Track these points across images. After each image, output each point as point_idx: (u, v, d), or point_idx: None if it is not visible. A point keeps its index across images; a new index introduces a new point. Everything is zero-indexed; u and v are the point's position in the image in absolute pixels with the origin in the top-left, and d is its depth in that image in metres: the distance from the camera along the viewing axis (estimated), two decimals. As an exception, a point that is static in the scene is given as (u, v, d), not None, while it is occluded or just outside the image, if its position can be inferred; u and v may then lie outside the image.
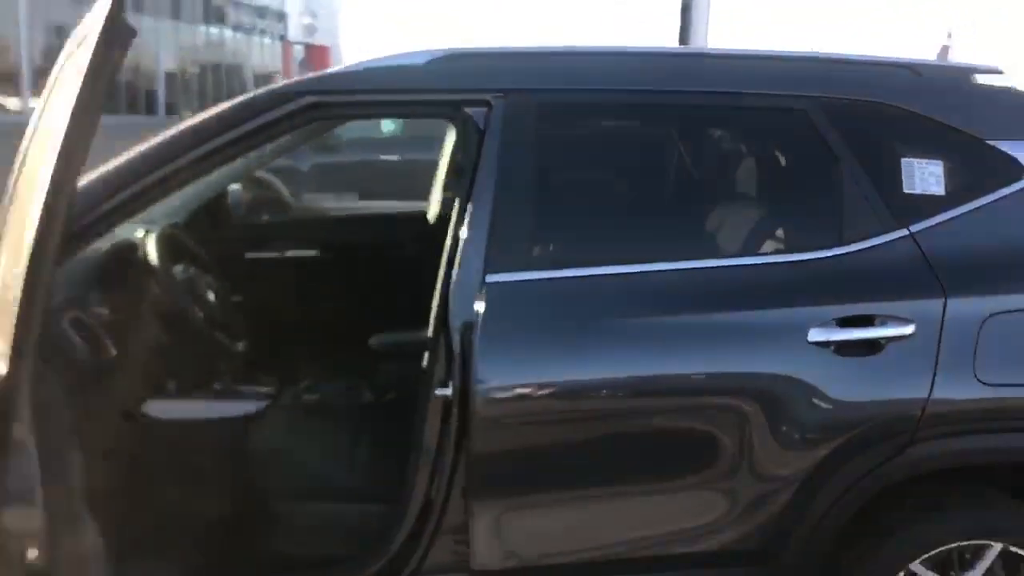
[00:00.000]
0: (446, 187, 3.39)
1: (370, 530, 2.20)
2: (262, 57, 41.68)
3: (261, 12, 40.41)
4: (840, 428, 2.06)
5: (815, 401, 2.05)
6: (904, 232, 2.14)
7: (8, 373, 1.39)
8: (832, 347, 2.05)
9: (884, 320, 2.06)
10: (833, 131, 2.16)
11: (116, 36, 1.32)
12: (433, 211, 3.47)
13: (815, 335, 2.04)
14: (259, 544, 1.98)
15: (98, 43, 1.29)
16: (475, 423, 1.96)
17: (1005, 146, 2.23)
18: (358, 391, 2.98)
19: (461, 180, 2.15)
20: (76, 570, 1.66)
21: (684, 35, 7.62)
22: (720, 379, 2.07)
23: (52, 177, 1.32)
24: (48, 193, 1.32)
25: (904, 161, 2.19)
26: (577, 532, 2.09)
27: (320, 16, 42.35)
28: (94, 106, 1.35)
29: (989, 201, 2.19)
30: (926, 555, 2.12)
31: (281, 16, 41.44)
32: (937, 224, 2.15)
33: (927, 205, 2.17)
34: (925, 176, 2.19)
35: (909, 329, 2.06)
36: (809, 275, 2.11)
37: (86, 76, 1.31)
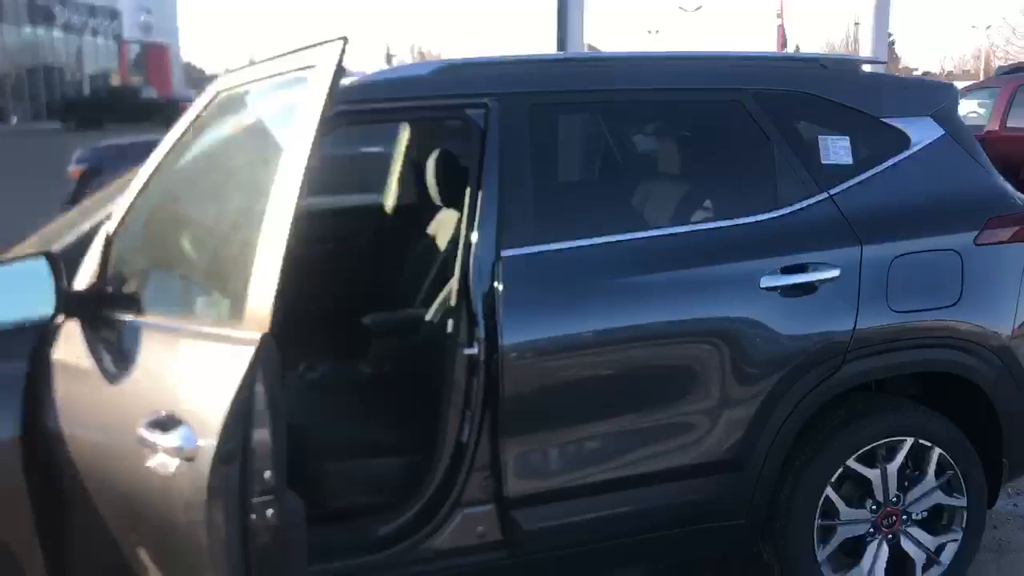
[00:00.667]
0: (402, 181, 3.72)
1: (403, 478, 2.55)
2: (96, 57, 39.90)
3: (92, 11, 38.65)
4: (789, 355, 2.55)
5: (769, 335, 2.54)
6: (825, 195, 2.65)
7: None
8: (779, 291, 2.54)
9: (816, 267, 2.57)
10: (765, 117, 2.65)
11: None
12: (391, 203, 3.80)
13: (765, 282, 2.53)
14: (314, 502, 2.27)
15: (331, 88, 1.59)
16: (505, 374, 2.34)
17: (895, 122, 2.79)
18: (356, 367, 3.28)
19: (469, 172, 2.51)
20: None
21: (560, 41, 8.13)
22: (695, 323, 2.53)
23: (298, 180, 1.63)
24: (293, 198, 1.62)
25: (820, 138, 2.71)
26: (586, 457, 2.50)
27: (156, 14, 40.80)
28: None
29: (886, 167, 2.74)
30: (858, 452, 2.66)
31: (114, 14, 39.74)
32: (849, 187, 2.68)
33: (840, 173, 2.69)
34: (837, 150, 2.71)
35: (835, 272, 2.57)
36: (756, 234, 2.59)
37: (322, 111, 1.64)
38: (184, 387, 1.74)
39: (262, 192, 1.71)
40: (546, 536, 2.46)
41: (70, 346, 2.04)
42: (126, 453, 1.76)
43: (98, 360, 1.95)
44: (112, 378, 1.93)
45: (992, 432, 2.79)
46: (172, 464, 1.67)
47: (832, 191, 2.66)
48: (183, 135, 2.12)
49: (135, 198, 2.08)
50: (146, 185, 2.12)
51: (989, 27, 67.58)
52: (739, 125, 2.67)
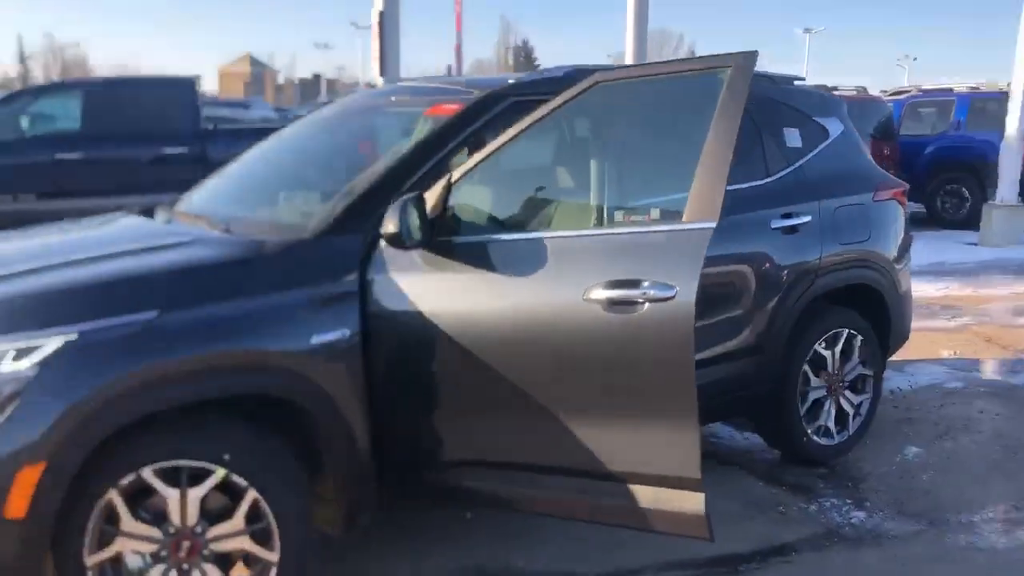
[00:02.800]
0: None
1: None
2: None
3: None
4: (788, 274, 3.78)
5: (776, 262, 3.74)
6: (794, 167, 3.92)
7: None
8: (781, 231, 3.76)
9: (797, 214, 3.82)
10: (757, 116, 3.84)
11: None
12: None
13: (774, 224, 3.74)
14: None
15: (748, 83, 2.49)
16: None
17: (819, 119, 4.14)
18: None
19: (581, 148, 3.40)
20: None
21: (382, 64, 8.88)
22: (731, 256, 3.64)
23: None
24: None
25: (784, 129, 3.98)
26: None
27: None
28: None
29: (820, 149, 4.07)
30: (821, 339, 3.95)
31: None
32: (804, 162, 3.97)
33: (797, 153, 3.97)
34: (793, 137, 4.00)
35: (808, 218, 3.84)
36: (762, 193, 3.78)
37: (744, 98, 2.55)
38: (639, 260, 2.52)
39: (691, 141, 2.56)
40: None
41: (407, 260, 2.74)
42: (572, 315, 2.54)
43: (489, 264, 2.71)
44: (528, 266, 2.66)
45: (884, 322, 4.23)
46: (642, 308, 2.46)
47: (796, 164, 3.94)
48: (548, 113, 2.83)
49: (487, 155, 2.79)
50: (500, 147, 2.81)
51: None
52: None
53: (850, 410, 4.14)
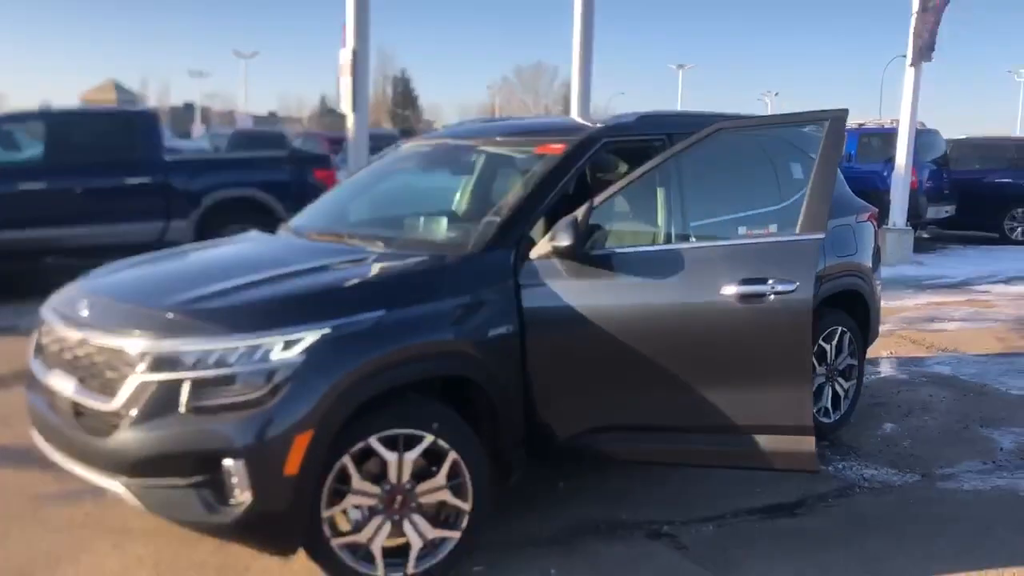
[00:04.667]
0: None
1: None
2: None
3: None
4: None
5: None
6: (799, 194, 4.81)
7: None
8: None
9: (806, 233, 4.72)
10: (770, 153, 4.72)
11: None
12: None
13: (791, 241, 4.62)
14: None
15: (841, 134, 3.27)
16: None
17: (812, 155, 5.06)
18: None
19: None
20: None
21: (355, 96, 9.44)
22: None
23: None
24: None
25: (789, 164, 4.88)
26: None
27: None
28: None
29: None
30: (822, 335, 4.86)
31: None
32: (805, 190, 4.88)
33: (801, 183, 4.87)
34: (796, 170, 4.90)
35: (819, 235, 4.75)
36: (781, 214, 4.65)
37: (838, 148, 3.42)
38: (765, 263, 3.33)
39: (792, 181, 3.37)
40: None
41: (551, 268, 3.44)
42: (710, 307, 3.33)
43: (633, 270, 3.44)
44: (669, 271, 3.42)
45: (865, 321, 5.18)
46: (769, 300, 3.28)
47: (801, 192, 4.84)
48: (674, 152, 3.62)
49: (623, 186, 3.53)
50: (636, 178, 3.58)
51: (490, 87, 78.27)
52: (763, 158, 4.74)
53: (842, 393, 5.05)
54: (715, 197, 3.87)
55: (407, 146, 4.90)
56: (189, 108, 68.92)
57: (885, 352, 7.04)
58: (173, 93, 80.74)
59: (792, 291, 3.28)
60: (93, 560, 3.51)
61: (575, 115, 10.08)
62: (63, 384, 3.27)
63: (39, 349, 3.61)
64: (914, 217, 13.20)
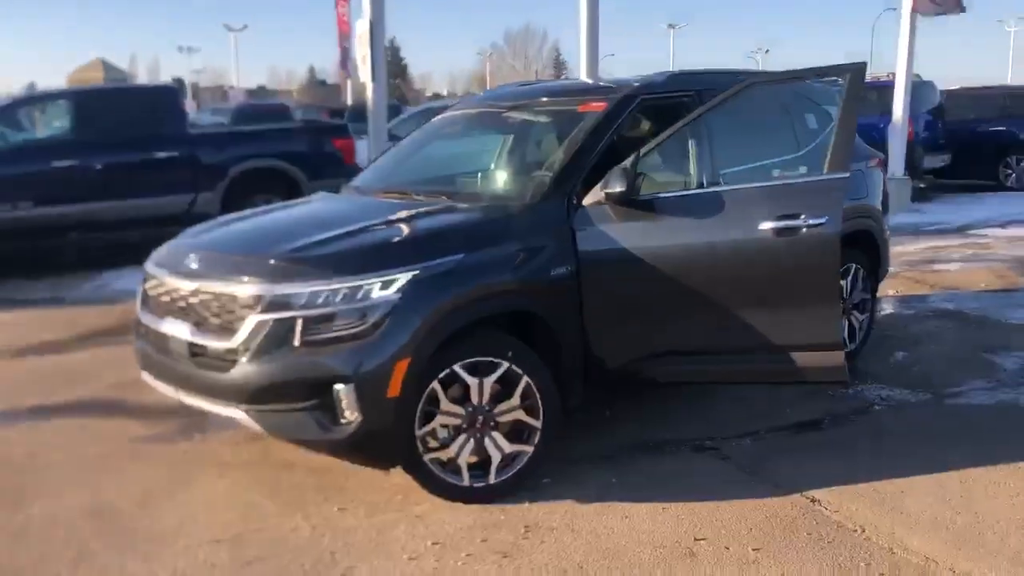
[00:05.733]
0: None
1: None
2: None
3: None
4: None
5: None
6: (816, 142, 5.21)
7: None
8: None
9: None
10: (787, 105, 5.12)
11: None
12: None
13: (809, 186, 5.06)
14: None
15: (860, 86, 3.67)
16: None
17: (825, 107, 5.46)
18: None
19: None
20: None
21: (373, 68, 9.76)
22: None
23: None
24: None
25: (804, 115, 5.28)
26: None
27: None
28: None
29: (829, 129, 5.40)
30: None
31: None
32: (821, 139, 5.29)
33: (816, 132, 5.27)
34: (811, 121, 5.31)
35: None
36: (801, 159, 5.06)
37: (857, 98, 3.78)
38: (797, 201, 3.77)
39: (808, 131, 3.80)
40: None
41: (602, 213, 3.86)
42: (749, 242, 3.77)
43: (678, 211, 3.88)
44: (711, 211, 3.86)
45: (876, 259, 5.62)
46: (802, 233, 3.73)
47: (817, 141, 5.25)
48: (711, 106, 4.02)
49: (666, 137, 3.95)
50: (678, 131, 4.00)
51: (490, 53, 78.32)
52: (782, 110, 5.14)
53: (857, 325, 5.50)
54: (746, 145, 4.30)
55: (450, 112, 5.30)
56: (179, 84, 68.79)
57: (891, 291, 7.49)
58: (163, 70, 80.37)
59: (822, 224, 3.73)
60: (205, 485, 3.96)
61: (584, 78, 10.44)
62: (178, 329, 3.70)
63: (145, 301, 4.04)
64: (911, 167, 13.61)
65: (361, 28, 9.90)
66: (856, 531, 3.40)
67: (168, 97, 10.59)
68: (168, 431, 4.62)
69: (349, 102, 31.11)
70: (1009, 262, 8.86)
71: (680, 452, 4.19)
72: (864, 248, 5.53)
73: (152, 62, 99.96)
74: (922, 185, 15.41)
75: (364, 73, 9.96)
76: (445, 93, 73.68)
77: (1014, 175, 15.79)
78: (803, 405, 4.69)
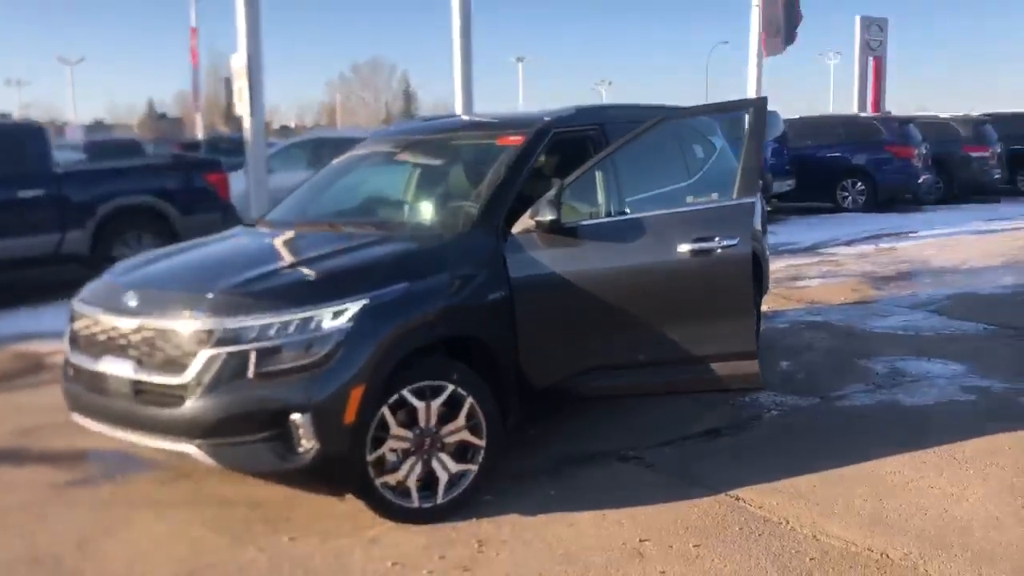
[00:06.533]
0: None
1: None
2: None
3: None
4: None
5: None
6: (702, 171, 5.65)
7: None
8: (706, 214, 5.50)
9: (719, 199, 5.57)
10: (678, 137, 5.53)
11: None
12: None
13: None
14: None
15: (762, 119, 4.01)
16: None
17: (710, 138, 5.92)
18: None
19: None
20: None
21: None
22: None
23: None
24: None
25: (692, 145, 5.70)
26: None
27: None
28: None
29: (713, 158, 5.85)
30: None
31: None
32: (707, 167, 5.73)
33: (702, 161, 5.71)
34: (697, 151, 5.73)
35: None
36: (690, 188, 5.46)
37: (760, 130, 4.06)
38: (711, 224, 4.06)
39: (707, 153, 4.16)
40: None
41: (530, 241, 4.09)
42: (669, 263, 4.06)
43: (602, 236, 4.15)
44: (633, 236, 4.12)
45: (760, 275, 6.08)
46: (717, 253, 4.03)
47: (703, 169, 5.69)
48: (628, 139, 4.30)
49: (588, 168, 4.20)
50: (599, 162, 4.27)
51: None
52: (677, 141, 5.54)
53: (747, 337, 5.94)
54: (658, 173, 4.64)
55: (363, 147, 5.42)
56: (5, 118, 64.93)
57: (764, 308, 8.05)
58: (-6, 103, 75.71)
59: (735, 244, 4.09)
60: (144, 524, 3.91)
61: (460, 113, 10.73)
62: (118, 367, 3.67)
63: (74, 340, 3.97)
64: (763, 191, 14.57)
65: (238, 62, 9.86)
66: (781, 523, 3.74)
67: (32, 134, 10.17)
68: (88, 475, 4.51)
69: (200, 136, 30.34)
70: (860, 276, 9.68)
71: (609, 462, 4.44)
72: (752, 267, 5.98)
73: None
74: (770, 208, 16.49)
75: (243, 108, 9.90)
76: (293, 125, 72.68)
77: (850, 197, 17.13)
78: (708, 413, 5.05)
